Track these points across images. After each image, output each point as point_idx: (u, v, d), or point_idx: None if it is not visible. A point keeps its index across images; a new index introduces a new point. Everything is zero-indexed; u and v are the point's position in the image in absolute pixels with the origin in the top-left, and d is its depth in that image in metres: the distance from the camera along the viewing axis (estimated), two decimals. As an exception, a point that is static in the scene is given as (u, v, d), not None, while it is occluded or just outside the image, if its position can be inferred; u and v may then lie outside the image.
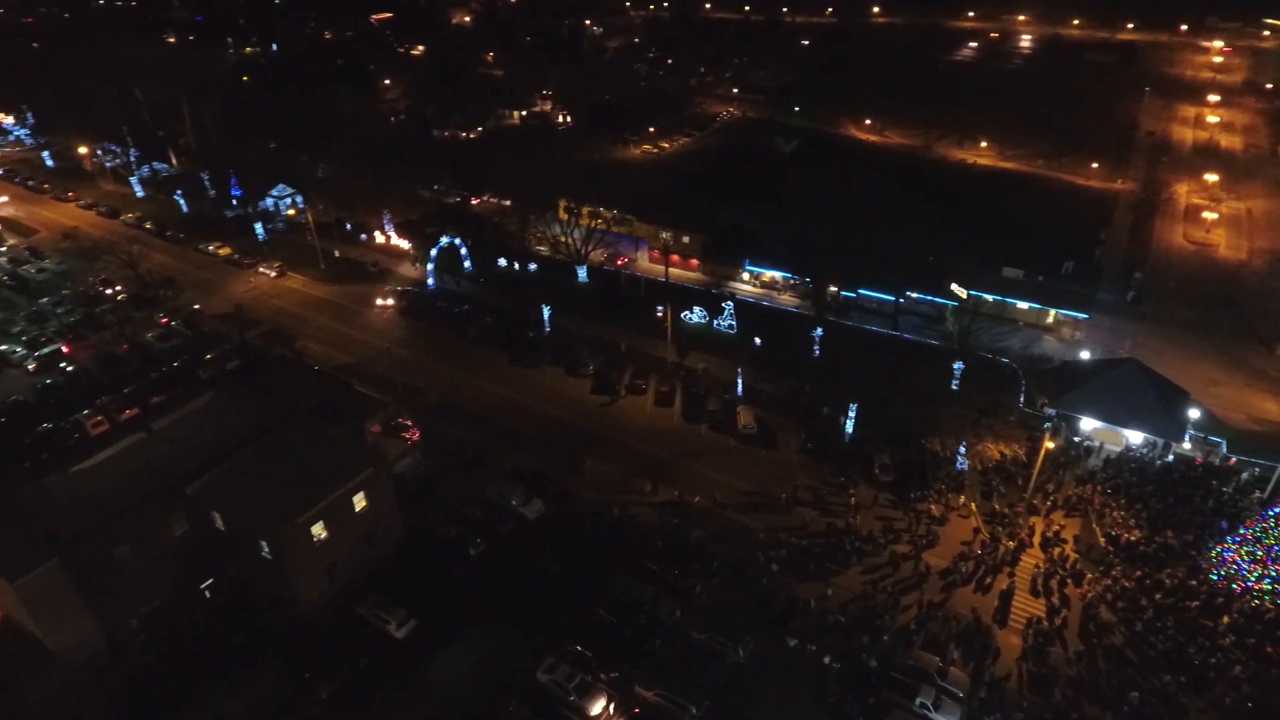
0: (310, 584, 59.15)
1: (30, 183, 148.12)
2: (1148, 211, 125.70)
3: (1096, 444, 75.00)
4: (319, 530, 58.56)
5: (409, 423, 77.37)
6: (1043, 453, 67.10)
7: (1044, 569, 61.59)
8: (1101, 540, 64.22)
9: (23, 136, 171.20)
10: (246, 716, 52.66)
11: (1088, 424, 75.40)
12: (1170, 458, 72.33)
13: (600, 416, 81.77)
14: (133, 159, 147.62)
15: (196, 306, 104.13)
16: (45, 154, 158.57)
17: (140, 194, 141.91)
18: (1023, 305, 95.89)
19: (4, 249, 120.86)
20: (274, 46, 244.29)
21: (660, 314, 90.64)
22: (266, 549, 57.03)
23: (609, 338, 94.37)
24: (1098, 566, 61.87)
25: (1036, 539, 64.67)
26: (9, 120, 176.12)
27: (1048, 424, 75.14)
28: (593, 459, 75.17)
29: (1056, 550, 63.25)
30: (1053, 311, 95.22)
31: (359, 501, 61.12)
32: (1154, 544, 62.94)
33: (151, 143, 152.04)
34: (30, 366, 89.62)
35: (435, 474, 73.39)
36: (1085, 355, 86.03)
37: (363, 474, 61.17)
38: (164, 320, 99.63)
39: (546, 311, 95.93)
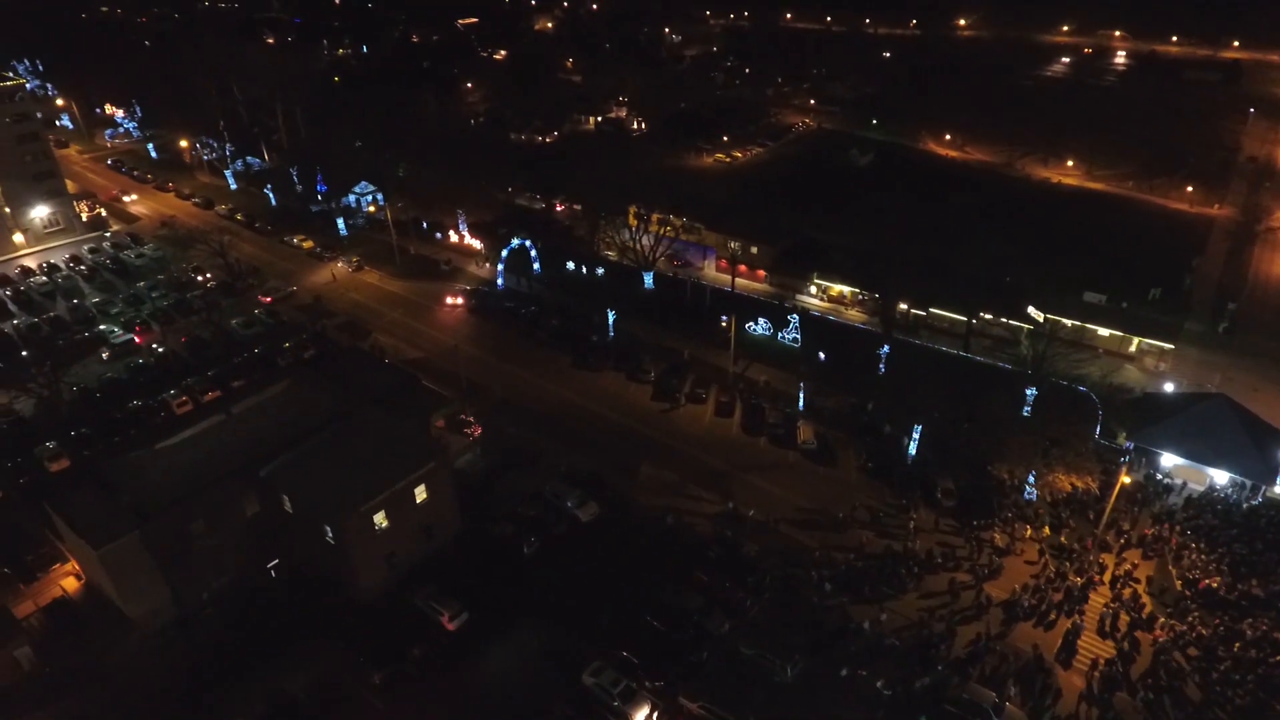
0: (370, 570, 60.94)
1: (135, 172, 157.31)
2: (1246, 239, 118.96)
3: (1177, 482, 71.32)
4: (381, 519, 60.32)
5: (472, 419, 79.08)
6: (1118, 487, 64.14)
7: (1113, 609, 58.87)
8: (1177, 583, 61.01)
9: (131, 129, 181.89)
10: (303, 693, 54.44)
11: (1169, 460, 71.76)
12: (1258, 501, 68.28)
13: (659, 423, 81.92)
14: (228, 153, 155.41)
15: (293, 288, 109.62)
16: (150, 146, 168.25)
17: (233, 186, 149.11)
18: (1104, 332, 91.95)
19: (108, 235, 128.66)
20: (365, 49, 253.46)
21: (725, 324, 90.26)
22: (330, 534, 59.09)
23: (672, 345, 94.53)
24: (1168, 610, 58.82)
25: (1107, 577, 61.86)
26: (120, 113, 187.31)
27: (1125, 457, 71.86)
28: (649, 465, 75.38)
29: (1127, 590, 60.40)
30: (1136, 339, 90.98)
31: (420, 493, 62.74)
32: (1236, 591, 59.44)
33: (246, 138, 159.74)
34: (104, 355, 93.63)
35: (494, 471, 74.68)
36: (1170, 387, 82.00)
37: (426, 467, 62.80)
38: (268, 299, 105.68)
39: (611, 316, 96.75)
